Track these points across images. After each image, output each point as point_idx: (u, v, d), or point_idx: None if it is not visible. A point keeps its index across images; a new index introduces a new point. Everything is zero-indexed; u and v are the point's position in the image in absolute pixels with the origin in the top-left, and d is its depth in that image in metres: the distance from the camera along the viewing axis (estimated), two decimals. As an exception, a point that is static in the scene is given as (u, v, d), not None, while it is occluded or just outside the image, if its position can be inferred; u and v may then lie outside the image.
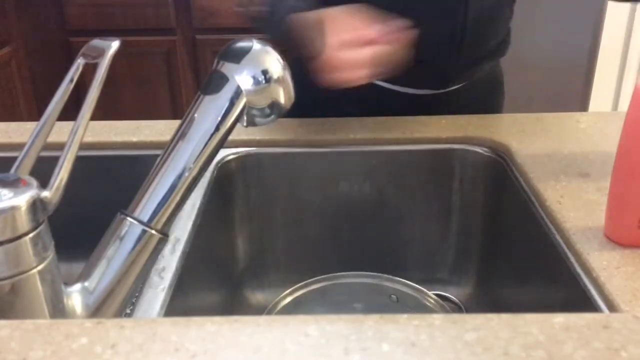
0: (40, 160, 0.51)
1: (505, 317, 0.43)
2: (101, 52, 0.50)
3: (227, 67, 0.52)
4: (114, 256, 0.49)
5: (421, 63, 0.92)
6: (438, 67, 0.94)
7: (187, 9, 2.34)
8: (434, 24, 0.88)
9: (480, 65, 0.98)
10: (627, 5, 2.10)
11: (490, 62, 1.01)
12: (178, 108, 2.48)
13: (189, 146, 0.51)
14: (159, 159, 0.52)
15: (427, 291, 0.82)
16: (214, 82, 0.52)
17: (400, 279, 0.83)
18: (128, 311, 0.55)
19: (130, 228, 0.49)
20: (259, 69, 0.52)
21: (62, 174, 0.46)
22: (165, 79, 2.46)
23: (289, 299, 0.82)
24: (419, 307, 0.81)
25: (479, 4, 0.89)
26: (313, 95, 0.83)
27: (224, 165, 0.86)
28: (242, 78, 0.52)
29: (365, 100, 0.93)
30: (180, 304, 0.62)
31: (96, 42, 0.52)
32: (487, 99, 1.04)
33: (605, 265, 0.58)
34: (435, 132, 0.89)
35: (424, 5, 0.87)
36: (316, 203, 0.91)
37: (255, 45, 0.53)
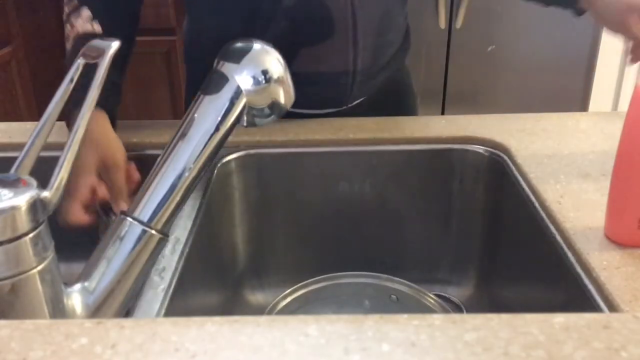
0: (40, 160, 0.51)
1: (505, 317, 0.43)
2: (101, 52, 0.50)
3: (227, 67, 0.52)
4: (114, 256, 0.49)
5: (317, 85, 0.92)
6: (336, 87, 0.92)
7: (187, 9, 2.34)
8: (324, 48, 0.88)
9: (379, 76, 0.96)
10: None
11: (390, 70, 0.98)
12: (178, 108, 2.48)
13: (189, 146, 0.51)
14: (159, 159, 0.52)
15: (427, 291, 0.82)
16: (214, 82, 0.52)
17: (400, 279, 0.83)
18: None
19: (130, 228, 0.49)
20: (259, 69, 0.52)
21: (62, 174, 0.46)
22: (165, 79, 2.46)
23: (289, 299, 0.82)
24: (419, 307, 0.81)
25: (367, 18, 0.87)
26: None
27: (224, 165, 0.86)
28: (242, 78, 0.52)
29: None
30: (180, 304, 0.62)
31: (96, 42, 0.52)
32: (396, 104, 1.02)
33: (605, 265, 0.58)
34: (435, 132, 0.89)
35: (312, 28, 0.87)
36: (316, 203, 0.91)
37: (255, 45, 0.53)
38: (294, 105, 0.94)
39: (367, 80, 0.94)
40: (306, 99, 0.93)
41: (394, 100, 1.01)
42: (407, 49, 1.01)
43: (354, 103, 0.95)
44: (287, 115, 0.92)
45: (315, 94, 0.93)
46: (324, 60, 0.89)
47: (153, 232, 0.50)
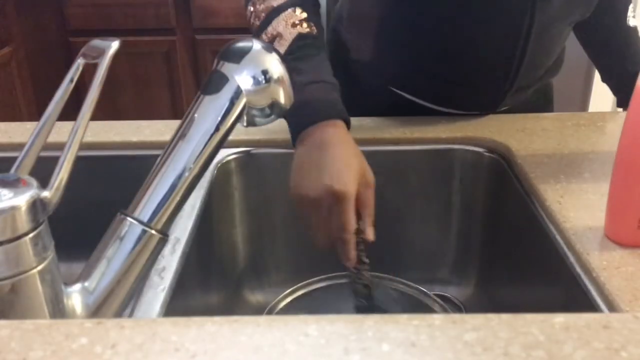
0: (40, 160, 0.51)
1: (505, 317, 0.43)
2: (101, 52, 0.50)
3: (227, 67, 0.52)
4: (114, 256, 0.49)
5: (474, 87, 0.91)
6: (491, 91, 0.91)
7: (187, 9, 2.35)
8: (492, 51, 0.86)
9: (532, 87, 0.95)
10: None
11: (542, 83, 0.97)
12: (178, 108, 2.48)
13: (189, 146, 0.51)
14: (159, 159, 0.51)
15: (427, 291, 0.82)
16: (214, 82, 0.52)
17: (400, 279, 0.83)
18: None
19: (130, 228, 0.49)
20: (259, 69, 0.52)
21: (62, 174, 0.46)
22: (165, 79, 2.46)
23: (289, 299, 0.82)
24: (419, 307, 0.81)
25: (542, 28, 0.85)
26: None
27: (224, 165, 0.86)
28: (242, 78, 0.52)
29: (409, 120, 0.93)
30: (180, 304, 0.62)
31: (96, 42, 0.52)
32: None
33: (605, 265, 0.58)
34: (435, 132, 0.89)
35: (483, 30, 0.84)
36: (316, 203, 0.90)
37: (255, 45, 0.53)
38: (442, 104, 0.94)
39: (522, 90, 0.93)
40: (459, 99, 0.93)
41: (535, 111, 0.98)
42: (561, 63, 0.99)
43: (500, 109, 0.94)
44: (431, 113, 0.93)
45: (470, 96, 0.92)
46: (488, 63, 0.88)
47: (153, 232, 0.50)
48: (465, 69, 0.89)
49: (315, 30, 0.75)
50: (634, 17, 1.02)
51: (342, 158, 0.68)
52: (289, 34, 0.74)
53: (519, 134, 0.88)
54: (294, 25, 0.74)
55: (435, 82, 0.91)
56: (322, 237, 0.70)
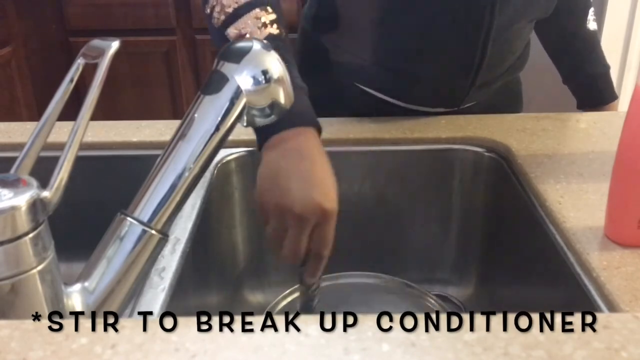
0: (40, 160, 0.51)
1: (505, 317, 0.43)
2: (101, 52, 0.50)
3: (227, 67, 0.52)
4: (114, 256, 0.49)
5: (437, 84, 0.91)
6: (454, 88, 0.92)
7: (187, 9, 2.35)
8: (453, 47, 0.87)
9: (496, 83, 0.96)
10: (628, 3, 2.09)
11: (508, 78, 0.98)
12: (178, 108, 2.48)
13: (189, 146, 0.51)
14: (159, 159, 0.51)
15: (427, 291, 0.82)
16: (214, 82, 0.52)
17: (401, 279, 0.83)
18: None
19: (130, 228, 0.49)
20: (259, 69, 0.52)
21: (62, 174, 0.46)
22: (165, 79, 2.46)
23: (289, 299, 0.82)
24: (419, 307, 0.81)
25: (502, 24, 0.86)
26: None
27: (224, 165, 0.86)
28: (242, 78, 0.52)
29: (378, 116, 0.93)
30: (180, 304, 0.62)
31: (96, 42, 0.52)
32: (503, 111, 1.00)
33: (605, 265, 0.58)
34: (435, 132, 0.89)
35: (444, 26, 0.85)
36: (316, 203, 0.90)
37: (255, 45, 0.53)
38: (407, 100, 0.94)
39: (485, 86, 0.93)
40: (423, 95, 0.93)
41: (501, 107, 0.99)
42: (525, 59, 1.00)
43: (465, 106, 0.95)
44: (397, 109, 0.94)
45: (434, 93, 0.92)
46: (450, 60, 0.88)
47: (153, 232, 0.50)
48: (428, 65, 0.89)
49: (283, 33, 0.74)
50: (594, 20, 1.02)
51: (326, 172, 0.66)
52: (260, 34, 0.71)
53: (519, 134, 0.88)
54: (264, 25, 0.72)
55: (399, 78, 0.92)
56: (296, 252, 0.66)
